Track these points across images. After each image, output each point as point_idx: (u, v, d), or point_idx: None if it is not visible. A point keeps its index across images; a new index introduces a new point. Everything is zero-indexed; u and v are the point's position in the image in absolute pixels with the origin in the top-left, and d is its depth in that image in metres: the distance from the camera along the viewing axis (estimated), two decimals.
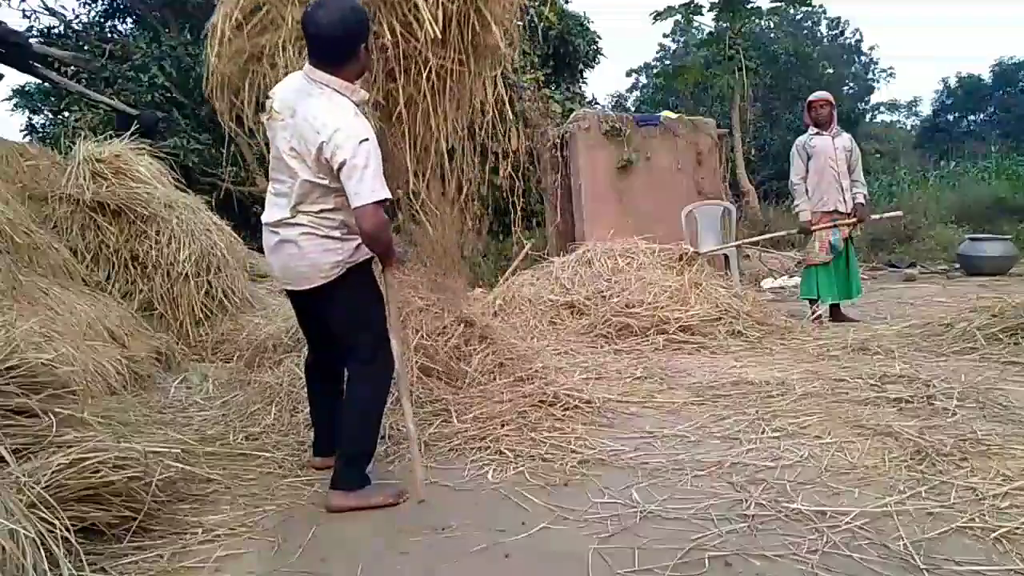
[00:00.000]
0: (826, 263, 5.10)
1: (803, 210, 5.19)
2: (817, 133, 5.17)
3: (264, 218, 2.27)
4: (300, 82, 2.14)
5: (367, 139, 2.04)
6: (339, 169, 2.01)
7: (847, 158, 5.12)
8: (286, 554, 1.86)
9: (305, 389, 2.64)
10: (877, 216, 5.61)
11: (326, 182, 2.09)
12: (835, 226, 5.06)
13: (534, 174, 9.55)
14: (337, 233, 2.15)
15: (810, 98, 5.31)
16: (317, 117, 2.04)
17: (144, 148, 5.37)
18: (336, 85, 2.09)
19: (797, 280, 7.95)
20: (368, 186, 2.01)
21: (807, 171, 5.17)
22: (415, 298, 3.75)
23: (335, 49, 2.07)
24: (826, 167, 5.08)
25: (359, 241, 2.15)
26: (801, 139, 5.29)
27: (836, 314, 5.18)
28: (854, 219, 5.09)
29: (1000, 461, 2.15)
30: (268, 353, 3.79)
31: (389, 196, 2.12)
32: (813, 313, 5.11)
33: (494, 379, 3.35)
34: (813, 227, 5.14)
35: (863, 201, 5.17)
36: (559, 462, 2.41)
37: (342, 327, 2.26)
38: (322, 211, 2.13)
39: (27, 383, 2.21)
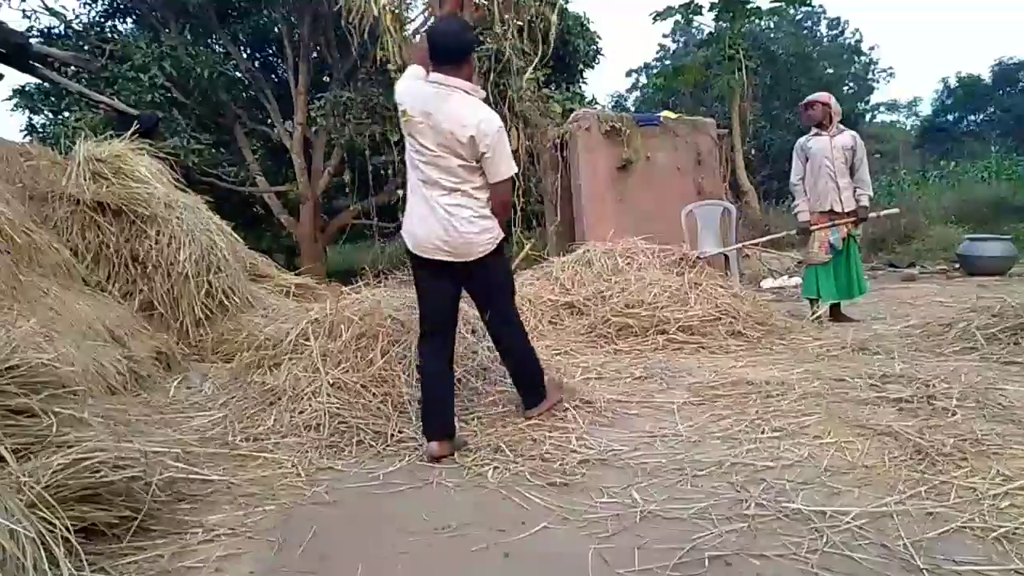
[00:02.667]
0: (825, 263, 5.08)
1: (802, 211, 5.19)
2: (816, 134, 5.15)
3: (421, 201, 2.63)
4: (429, 88, 2.57)
5: (501, 126, 2.57)
6: (483, 153, 2.52)
7: (846, 158, 5.07)
8: (286, 554, 1.86)
9: (306, 388, 2.84)
10: (875, 214, 5.52)
11: (474, 164, 2.57)
12: (833, 225, 5.04)
13: (534, 174, 9.56)
14: (487, 211, 2.64)
15: (805, 101, 5.29)
16: (460, 114, 2.52)
17: (144, 148, 5.37)
18: (465, 87, 2.57)
19: (797, 280, 7.96)
20: (505, 164, 2.58)
21: (805, 172, 5.18)
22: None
23: (458, 56, 2.58)
24: (821, 167, 5.07)
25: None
26: (801, 140, 5.29)
27: (836, 314, 5.16)
28: (852, 219, 5.06)
29: (1000, 461, 2.15)
30: (268, 353, 3.79)
31: (516, 171, 2.65)
32: (813, 313, 5.10)
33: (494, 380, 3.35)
34: (812, 227, 5.13)
35: (866, 203, 5.11)
36: (559, 462, 2.41)
37: (494, 291, 2.82)
38: (476, 189, 2.60)
39: (27, 383, 2.21)
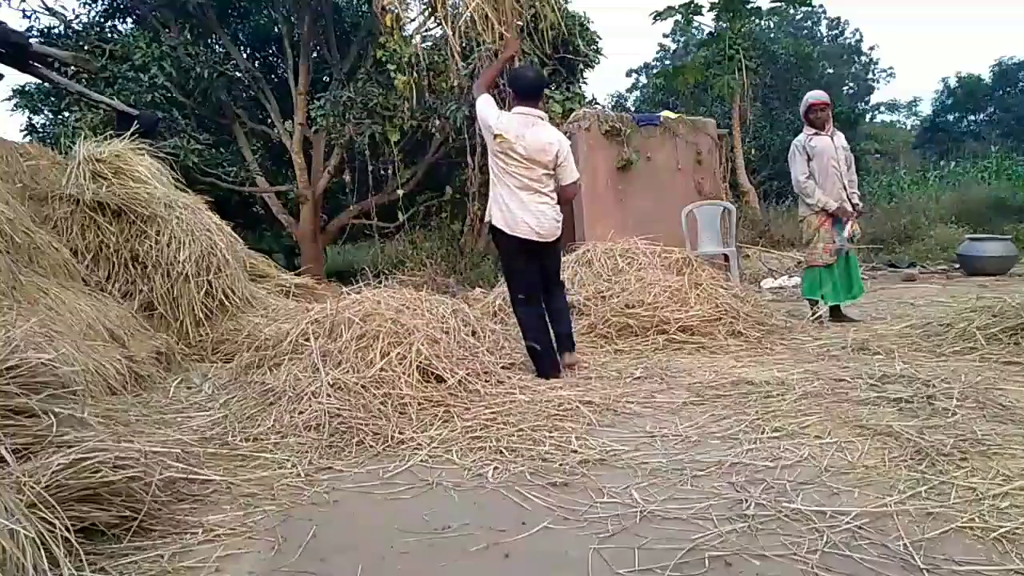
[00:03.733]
0: (829, 264, 5.03)
1: (825, 201, 4.97)
2: (816, 133, 5.08)
3: (519, 197, 3.60)
4: (520, 119, 3.60)
5: (569, 144, 3.71)
6: (558, 164, 3.61)
7: (846, 157, 5.08)
8: (286, 554, 1.86)
9: (306, 388, 2.97)
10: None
11: (552, 171, 3.64)
12: (838, 221, 4.98)
13: None
14: (558, 206, 3.71)
15: (811, 100, 5.10)
16: (545, 138, 3.60)
17: (144, 148, 5.37)
18: (544, 118, 3.70)
19: (797, 280, 7.95)
20: (574, 171, 3.71)
21: (810, 170, 5.06)
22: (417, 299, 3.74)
23: (538, 94, 3.68)
24: (829, 167, 5.00)
25: None
26: (800, 139, 5.16)
27: (836, 314, 5.14)
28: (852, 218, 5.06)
29: (1000, 461, 2.15)
30: (268, 353, 3.79)
31: (579, 176, 3.76)
32: (813, 314, 5.09)
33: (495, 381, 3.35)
34: (816, 225, 5.05)
35: (859, 203, 5.15)
36: (559, 462, 2.41)
37: (557, 263, 3.96)
38: (551, 191, 3.67)
39: (27, 383, 2.21)
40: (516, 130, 3.54)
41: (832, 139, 5.05)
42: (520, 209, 3.59)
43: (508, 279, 3.93)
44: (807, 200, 5.09)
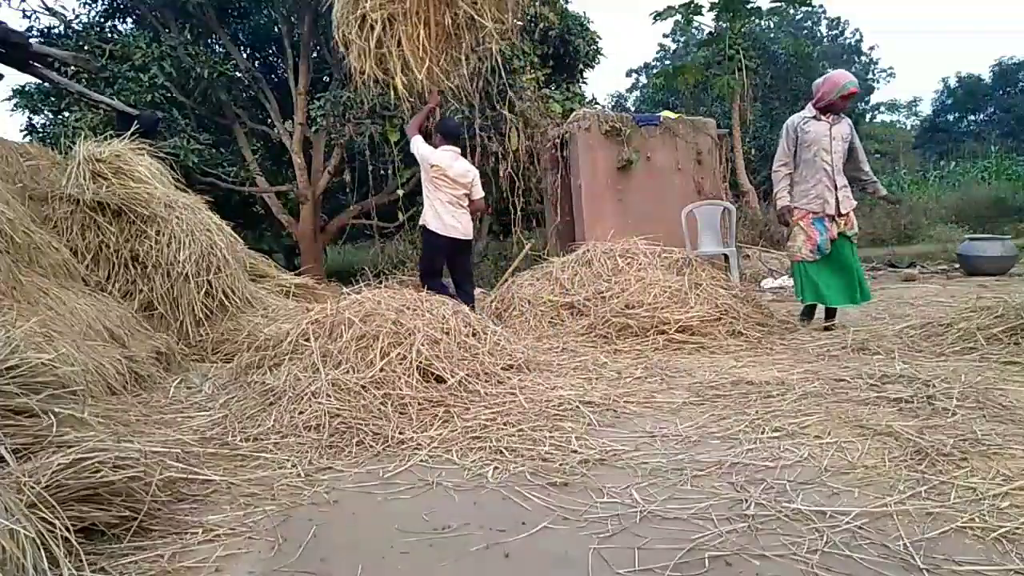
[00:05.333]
0: (811, 260, 4.62)
1: (782, 197, 4.64)
2: (815, 116, 4.53)
3: (449, 209, 4.94)
4: (448, 154, 4.99)
5: (477, 172, 5.20)
6: (472, 186, 5.05)
7: (844, 151, 4.54)
8: (286, 554, 1.85)
9: (306, 389, 2.99)
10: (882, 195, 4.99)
11: (468, 191, 5.05)
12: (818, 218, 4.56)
13: (534, 174, 9.57)
14: (469, 214, 5.12)
15: (850, 87, 4.44)
16: (464, 167, 5.05)
17: (144, 148, 5.37)
18: (459, 152, 5.10)
19: None
20: (481, 191, 5.15)
21: (793, 157, 4.58)
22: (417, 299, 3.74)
23: (458, 138, 5.19)
24: (817, 160, 4.50)
25: None
26: (794, 119, 4.65)
27: (832, 315, 4.80)
28: (843, 220, 4.59)
29: (1000, 461, 2.15)
30: (268, 353, 3.79)
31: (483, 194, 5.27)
32: (802, 318, 4.86)
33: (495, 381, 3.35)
34: (792, 220, 4.62)
35: (882, 191, 4.80)
36: (559, 462, 2.41)
37: (470, 262, 5.34)
38: (467, 205, 5.06)
39: (27, 383, 2.21)
40: (446, 162, 4.93)
41: (831, 127, 4.53)
42: (449, 217, 4.93)
43: (427, 266, 5.11)
44: (775, 187, 4.73)
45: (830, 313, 4.81)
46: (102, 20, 11.98)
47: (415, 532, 1.95)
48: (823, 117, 4.52)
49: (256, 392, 3.37)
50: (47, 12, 11.10)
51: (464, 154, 9.88)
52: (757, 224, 11.16)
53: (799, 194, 4.62)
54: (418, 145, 4.95)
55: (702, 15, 13.66)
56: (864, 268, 8.65)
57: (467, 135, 9.38)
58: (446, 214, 4.89)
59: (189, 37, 10.61)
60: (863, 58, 32.73)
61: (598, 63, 12.38)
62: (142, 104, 9.27)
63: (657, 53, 28.32)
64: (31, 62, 6.32)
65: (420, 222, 5.05)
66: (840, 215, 4.57)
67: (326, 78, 12.28)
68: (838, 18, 32.12)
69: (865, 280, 4.75)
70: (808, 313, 4.85)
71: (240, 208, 12.49)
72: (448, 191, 4.90)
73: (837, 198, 4.53)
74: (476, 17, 4.38)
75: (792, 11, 18.77)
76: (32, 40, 6.75)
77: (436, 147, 5.00)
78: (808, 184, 4.56)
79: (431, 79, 4.59)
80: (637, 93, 27.35)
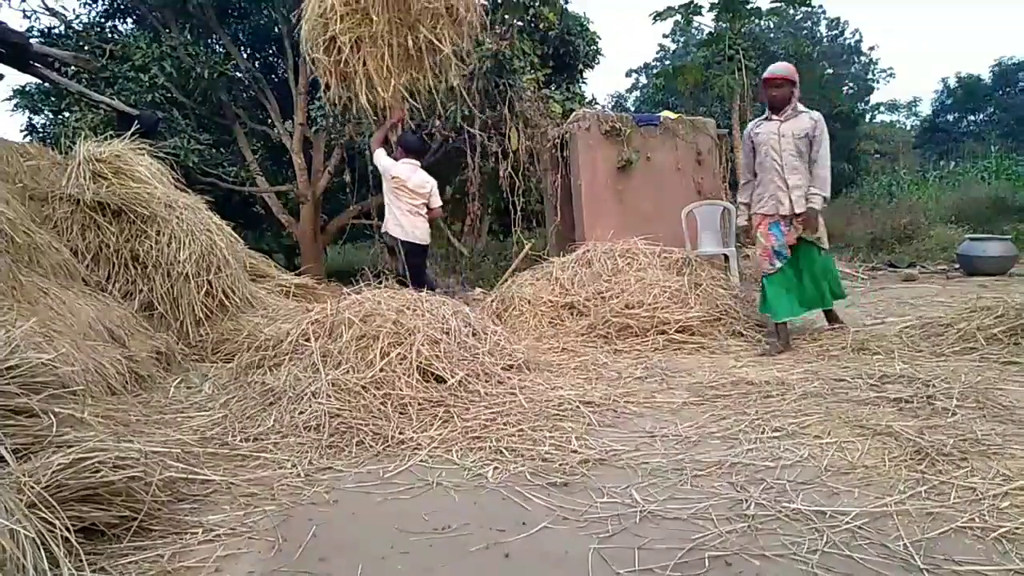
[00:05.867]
0: (771, 272, 4.30)
1: (741, 214, 4.51)
2: (767, 117, 4.29)
3: (409, 217, 5.36)
4: (408, 167, 5.38)
5: (435, 182, 5.55)
6: (430, 195, 5.42)
7: (799, 148, 4.13)
8: (286, 554, 1.86)
9: (307, 389, 3.01)
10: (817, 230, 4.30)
11: (427, 201, 5.43)
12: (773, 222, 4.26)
13: (534, 174, 9.57)
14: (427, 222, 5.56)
15: (764, 74, 4.27)
16: (423, 179, 5.42)
17: (144, 148, 5.37)
18: (419, 165, 5.48)
19: None
20: (438, 200, 5.55)
21: (756, 164, 4.34)
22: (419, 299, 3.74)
23: (418, 152, 5.52)
24: (767, 160, 4.22)
25: None
26: (749, 125, 4.47)
27: (830, 317, 4.55)
28: (799, 222, 4.19)
29: (1000, 461, 2.15)
30: (268, 353, 3.79)
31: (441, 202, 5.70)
32: (767, 338, 4.40)
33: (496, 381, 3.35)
34: (753, 230, 4.41)
35: (818, 205, 4.12)
36: (559, 462, 2.41)
37: (424, 265, 5.72)
38: (425, 213, 5.46)
39: (27, 383, 2.21)
40: (406, 174, 5.33)
41: (781, 126, 4.20)
42: (409, 224, 5.39)
43: (399, 268, 5.50)
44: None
45: (829, 316, 4.53)
46: (102, 20, 11.97)
47: (415, 532, 1.95)
48: (773, 116, 4.26)
49: (256, 392, 3.37)
50: (47, 12, 11.10)
51: (464, 154, 9.96)
52: None
53: (755, 199, 4.38)
54: (380, 158, 5.40)
55: (702, 15, 13.65)
56: (864, 268, 8.69)
57: (463, 140, 9.41)
58: (406, 222, 5.37)
59: (189, 37, 10.60)
60: (863, 58, 32.74)
61: (598, 63, 12.38)
62: (142, 104, 9.27)
63: (657, 53, 28.34)
64: (31, 62, 6.32)
65: (383, 229, 5.53)
66: (796, 216, 4.20)
67: None
68: (838, 18, 32.14)
69: (838, 285, 4.42)
70: (780, 333, 4.25)
71: (240, 208, 12.48)
72: (407, 200, 5.35)
73: (791, 198, 4.18)
74: (435, 41, 4.74)
75: (792, 11, 18.78)
76: (32, 40, 6.75)
77: (397, 160, 5.40)
78: (762, 187, 4.30)
79: (394, 96, 5.06)
80: (637, 93, 27.37)
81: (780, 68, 4.25)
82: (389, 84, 4.81)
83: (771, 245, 4.28)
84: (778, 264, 4.28)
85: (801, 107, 4.22)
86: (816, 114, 4.21)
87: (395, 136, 5.68)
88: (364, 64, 4.72)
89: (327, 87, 4.93)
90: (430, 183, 5.44)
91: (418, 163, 5.48)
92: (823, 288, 4.33)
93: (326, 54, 4.78)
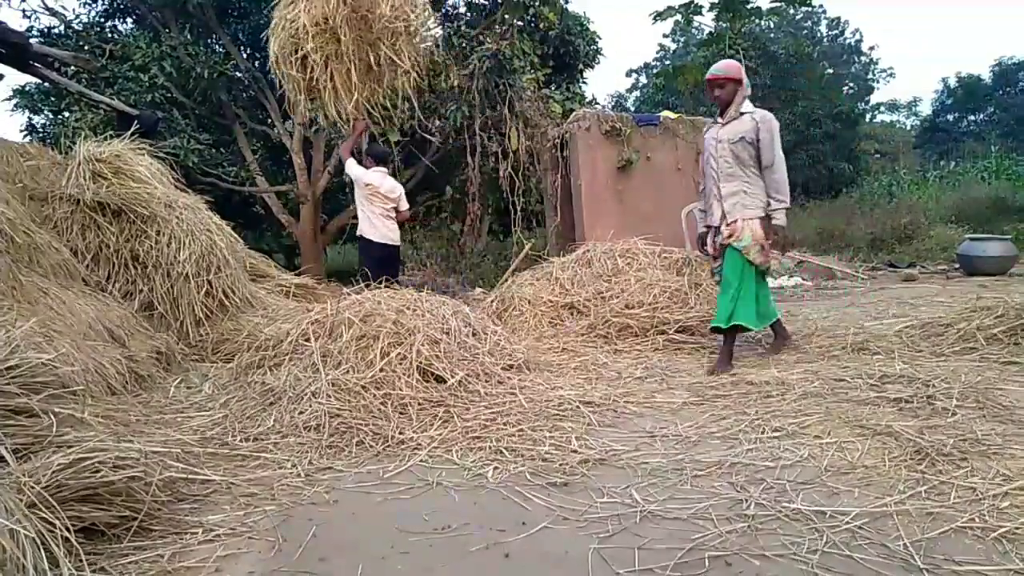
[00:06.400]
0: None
1: (700, 220, 4.16)
2: (716, 121, 3.94)
3: (382, 220, 5.82)
4: (379, 175, 5.81)
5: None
6: (399, 200, 5.92)
7: (735, 152, 3.72)
8: (286, 554, 1.86)
9: (307, 389, 3.01)
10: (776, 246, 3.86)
11: (396, 205, 5.91)
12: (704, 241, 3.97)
13: (534, 174, 9.57)
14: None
15: (707, 74, 3.91)
16: (392, 185, 5.94)
17: (144, 148, 5.36)
18: (386, 172, 5.97)
19: (797, 280, 7.96)
20: (406, 204, 6.05)
21: None
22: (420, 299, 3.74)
23: (386, 161, 6.16)
24: (707, 168, 3.91)
25: None
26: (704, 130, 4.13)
27: (776, 330, 4.07)
28: (728, 229, 3.76)
29: (1000, 461, 2.15)
30: (268, 353, 3.79)
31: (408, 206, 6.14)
32: (716, 366, 3.77)
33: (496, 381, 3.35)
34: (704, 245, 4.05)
35: (782, 219, 3.70)
36: (559, 462, 2.41)
37: (397, 265, 6.28)
38: (396, 216, 5.96)
39: (27, 383, 2.21)
40: (378, 181, 5.79)
41: (721, 129, 3.83)
42: (382, 226, 5.85)
43: (373, 272, 5.50)
44: None
45: (775, 329, 4.06)
46: (102, 20, 11.97)
47: (415, 532, 1.95)
48: (719, 119, 3.89)
49: (256, 392, 3.37)
50: (47, 12, 11.10)
51: (464, 154, 9.96)
52: None
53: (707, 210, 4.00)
54: (352, 167, 5.84)
55: (702, 15, 13.68)
56: (864, 268, 8.68)
57: (469, 137, 9.40)
58: (380, 225, 5.86)
59: (189, 37, 10.60)
60: (863, 58, 32.76)
61: (598, 63, 12.38)
62: (142, 104, 9.26)
63: (657, 53, 28.36)
64: (31, 62, 6.31)
65: (358, 232, 5.96)
66: (727, 224, 3.79)
67: None
68: (838, 18, 32.17)
69: (766, 304, 3.86)
70: (726, 358, 3.79)
71: (240, 208, 12.47)
72: (380, 205, 5.83)
73: (723, 208, 3.79)
74: (394, 57, 5.11)
75: (792, 11, 18.80)
76: (32, 40, 6.75)
77: (367, 168, 5.90)
78: (707, 196, 3.94)
79: (358, 109, 5.35)
80: (637, 93, 27.37)
81: (722, 67, 3.88)
82: (353, 98, 5.14)
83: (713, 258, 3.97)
84: (718, 278, 3.93)
85: (748, 108, 3.79)
86: (762, 114, 3.76)
87: (364, 145, 6.27)
88: (332, 79, 5.05)
89: (295, 100, 5.26)
90: (399, 189, 5.99)
91: (386, 170, 5.99)
92: (730, 301, 3.74)
93: (298, 71, 5.11)
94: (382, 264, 5.74)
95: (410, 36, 5.15)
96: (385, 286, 4.70)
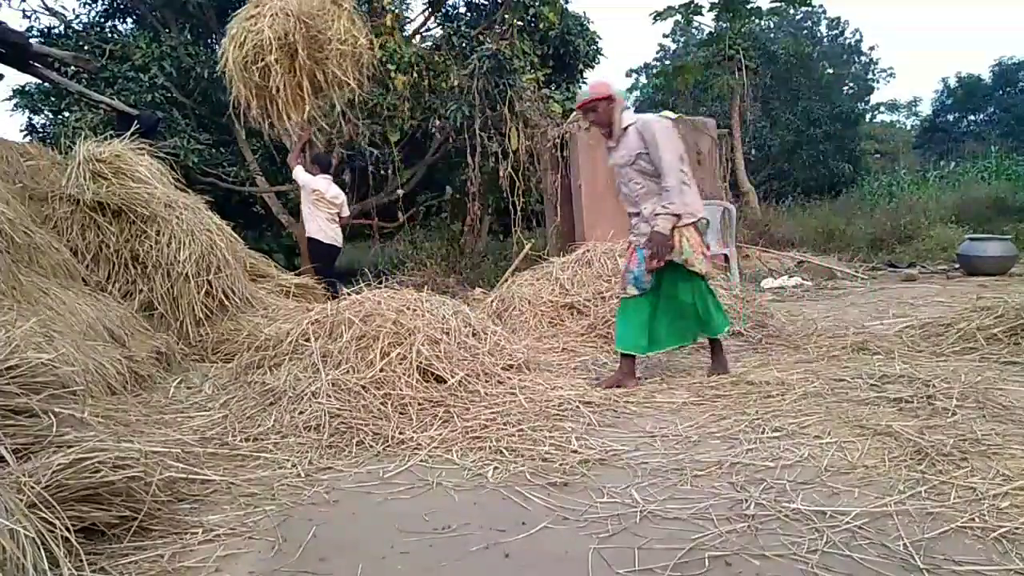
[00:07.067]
0: (631, 296, 3.52)
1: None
2: (607, 146, 3.68)
3: (328, 224, 6.52)
4: (325, 181, 6.52)
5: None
6: (342, 205, 6.64)
7: (641, 170, 3.47)
8: (286, 554, 1.86)
9: (307, 389, 3.02)
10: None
11: (339, 211, 6.65)
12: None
13: (534, 174, 9.57)
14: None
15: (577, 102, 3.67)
16: (337, 191, 6.64)
17: (144, 148, 5.36)
18: (331, 179, 6.76)
19: (797, 280, 7.96)
20: (347, 209, 6.88)
21: None
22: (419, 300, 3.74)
23: (331, 169, 7.49)
24: (620, 196, 3.71)
25: None
26: None
27: (712, 347, 3.70)
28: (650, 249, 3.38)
29: (1000, 461, 2.15)
30: (268, 354, 3.79)
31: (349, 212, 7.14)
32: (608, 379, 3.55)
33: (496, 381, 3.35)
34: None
35: (664, 226, 3.32)
36: (559, 462, 2.41)
37: (334, 261, 6.86)
38: (338, 220, 6.71)
39: (27, 383, 2.21)
40: (324, 187, 6.42)
41: (615, 153, 3.60)
42: (330, 229, 6.47)
43: (325, 268, 6.52)
44: None
45: (714, 347, 3.69)
46: (102, 20, 11.97)
47: (415, 532, 1.95)
48: (609, 143, 3.67)
49: (256, 392, 3.38)
50: (47, 12, 11.10)
51: (464, 154, 9.97)
52: (757, 224, 11.16)
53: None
54: (299, 174, 6.49)
55: (702, 15, 13.67)
56: (864, 268, 8.68)
57: (469, 137, 9.40)
58: (327, 228, 6.48)
59: (189, 37, 10.60)
60: (863, 58, 32.75)
61: (598, 63, 12.38)
62: (142, 104, 9.26)
63: (657, 53, 28.33)
64: (31, 62, 6.31)
65: (307, 234, 6.56)
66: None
67: None
68: (838, 18, 32.14)
69: (711, 312, 3.53)
70: (623, 363, 3.55)
71: (240, 208, 12.46)
72: (326, 210, 6.45)
73: (632, 222, 3.64)
74: (339, 75, 5.65)
75: (792, 11, 18.79)
76: (32, 40, 6.75)
77: (314, 175, 6.49)
78: (635, 226, 3.66)
79: (305, 119, 5.89)
80: (637, 93, 27.34)
81: (584, 92, 3.59)
82: (302, 109, 5.71)
83: (632, 269, 3.52)
84: (634, 292, 3.50)
85: (630, 118, 3.50)
86: (643, 121, 3.47)
87: (310, 154, 6.90)
88: (285, 89, 5.60)
89: (248, 109, 5.75)
90: (342, 195, 6.66)
91: (330, 177, 6.68)
92: (690, 318, 3.54)
93: (260, 79, 5.60)
94: (331, 263, 6.59)
95: (356, 60, 5.80)
96: (326, 283, 6.06)
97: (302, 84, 5.54)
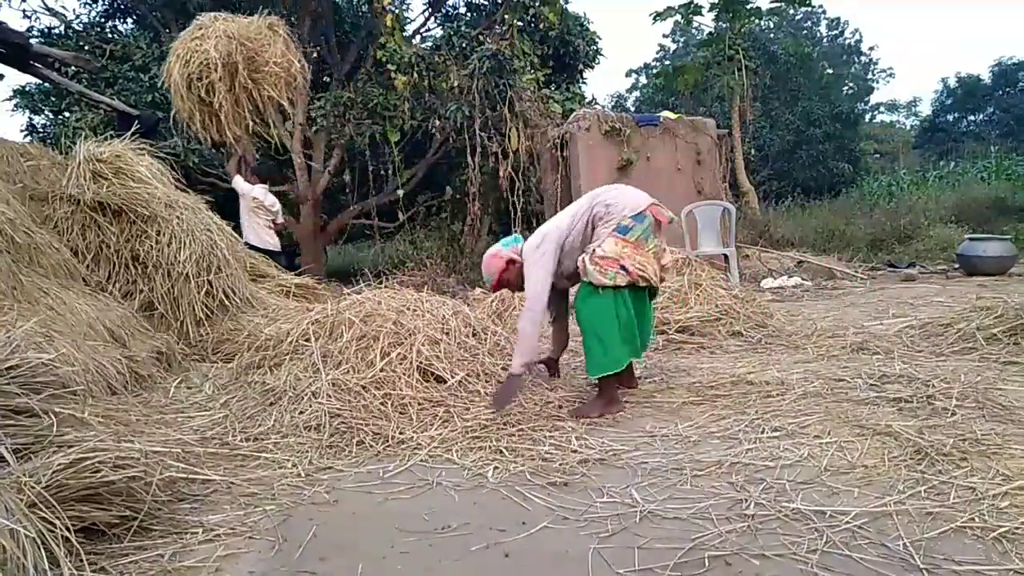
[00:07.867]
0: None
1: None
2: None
3: (265, 229, 7.19)
4: (262, 190, 7.09)
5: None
6: (277, 212, 7.24)
7: (563, 275, 3.25)
8: (286, 554, 1.86)
9: (307, 389, 3.00)
10: None
11: (274, 217, 7.22)
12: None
13: (534, 174, 9.57)
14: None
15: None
16: (274, 200, 7.27)
17: (144, 148, 5.36)
18: (268, 189, 7.34)
19: (797, 280, 7.96)
20: (283, 217, 7.48)
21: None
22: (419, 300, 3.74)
23: (265, 179, 7.65)
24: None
25: None
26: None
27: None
28: None
29: (1000, 461, 2.15)
30: (269, 354, 3.79)
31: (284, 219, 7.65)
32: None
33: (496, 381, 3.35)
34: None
35: (512, 370, 3.11)
36: (559, 462, 2.41)
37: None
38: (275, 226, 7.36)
39: (27, 383, 2.21)
40: (261, 195, 6.94)
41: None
42: (266, 235, 6.99)
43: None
44: None
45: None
46: (102, 20, 11.98)
47: (415, 532, 1.95)
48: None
49: (256, 392, 3.38)
50: (47, 12, 11.11)
51: (464, 154, 9.97)
52: (757, 224, 11.17)
53: None
54: (239, 183, 6.98)
55: (702, 15, 13.68)
56: (864, 268, 8.68)
57: (469, 137, 9.40)
58: (263, 233, 7.01)
59: None
60: (863, 58, 32.78)
61: (598, 63, 12.39)
62: (142, 104, 9.27)
63: (657, 53, 28.37)
64: (31, 62, 6.31)
65: (244, 240, 6.70)
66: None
67: (326, 78, 12.29)
68: (838, 18, 32.19)
69: (593, 346, 3.01)
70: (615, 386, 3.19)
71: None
72: (264, 217, 7.01)
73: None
74: (275, 96, 6.30)
75: (792, 11, 18.81)
76: (32, 40, 6.74)
77: (252, 184, 7.00)
78: None
79: (243, 133, 6.40)
80: (637, 93, 27.34)
81: (487, 279, 3.38)
82: (240, 124, 6.25)
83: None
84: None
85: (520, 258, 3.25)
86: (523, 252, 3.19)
87: (247, 164, 7.29)
88: (227, 105, 6.10)
89: (189, 124, 6.23)
90: (277, 204, 7.26)
91: (267, 186, 7.20)
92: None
93: (204, 95, 6.08)
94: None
95: (290, 83, 6.48)
96: None
97: (240, 101, 6.18)
